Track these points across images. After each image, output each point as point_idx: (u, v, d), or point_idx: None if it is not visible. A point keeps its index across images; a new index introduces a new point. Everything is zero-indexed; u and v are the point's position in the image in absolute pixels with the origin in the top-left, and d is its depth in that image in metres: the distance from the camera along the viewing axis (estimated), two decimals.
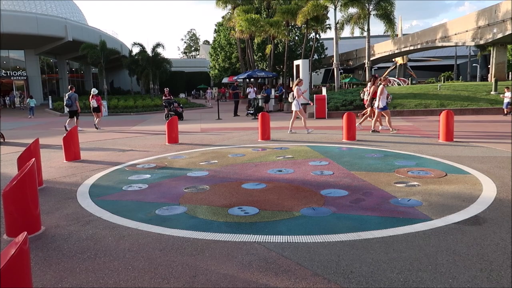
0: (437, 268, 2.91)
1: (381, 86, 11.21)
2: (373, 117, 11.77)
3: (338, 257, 3.13)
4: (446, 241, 3.39)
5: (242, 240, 3.54)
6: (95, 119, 15.85)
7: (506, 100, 15.99)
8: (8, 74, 39.85)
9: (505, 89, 16.29)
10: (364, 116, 12.68)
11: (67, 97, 14.73)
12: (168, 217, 4.27)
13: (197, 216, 4.29)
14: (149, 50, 41.60)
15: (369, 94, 12.05)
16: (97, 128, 15.29)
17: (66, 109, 15.28)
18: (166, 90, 20.60)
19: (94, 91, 15.94)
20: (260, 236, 3.62)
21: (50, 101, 31.87)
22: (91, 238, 3.73)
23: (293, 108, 11.91)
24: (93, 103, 15.68)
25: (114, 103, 27.76)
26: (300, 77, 20.82)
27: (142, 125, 17.04)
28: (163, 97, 20.32)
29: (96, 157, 8.47)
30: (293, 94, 11.83)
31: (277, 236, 3.61)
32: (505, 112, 15.88)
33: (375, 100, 11.35)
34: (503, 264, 2.93)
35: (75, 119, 14.67)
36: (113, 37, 48.96)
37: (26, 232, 2.26)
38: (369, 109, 12.27)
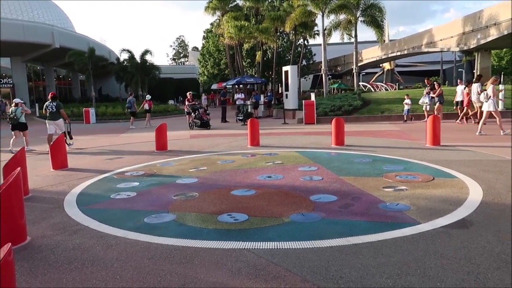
0: (425, 272, 2.94)
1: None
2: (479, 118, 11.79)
3: (328, 263, 3.14)
4: (434, 245, 3.42)
5: (232, 247, 3.53)
6: (146, 119, 20.12)
7: (406, 107, 16.31)
8: None
9: (406, 96, 16.63)
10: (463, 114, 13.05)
11: (127, 100, 19.83)
12: (157, 225, 4.24)
13: (186, 223, 4.26)
14: (137, 57, 41.43)
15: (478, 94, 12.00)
16: (146, 126, 18.86)
17: (127, 110, 20.24)
18: (189, 94, 18.42)
19: (148, 97, 20.54)
20: (250, 242, 3.61)
21: (37, 109, 31.45)
22: (79, 248, 3.68)
23: (487, 108, 10.80)
24: (146, 106, 20.05)
25: (102, 110, 27.50)
26: (289, 83, 20.95)
27: (131, 132, 16.91)
28: (186, 102, 18.08)
29: (83, 165, 8.38)
30: (486, 94, 10.79)
31: (266, 242, 3.61)
32: (405, 119, 16.22)
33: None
34: (490, 267, 2.97)
35: (133, 118, 19.54)
36: (101, 44, 48.65)
37: (10, 244, 2.23)
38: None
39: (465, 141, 9.72)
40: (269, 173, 6.71)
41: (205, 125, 16.74)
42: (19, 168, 4.04)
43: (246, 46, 34.56)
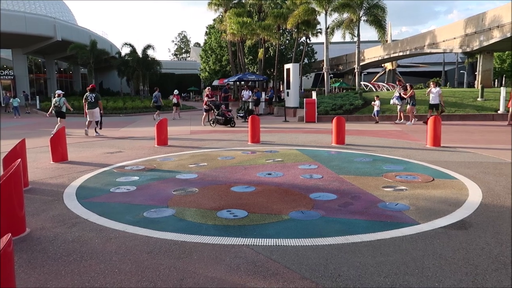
0: (423, 272, 2.94)
1: None
2: None
3: (326, 261, 3.14)
4: (433, 245, 3.42)
5: (231, 243, 3.53)
6: (173, 112, 21.35)
7: (375, 109, 16.35)
8: None
9: (375, 98, 16.71)
10: None
11: (153, 95, 20.87)
12: (156, 220, 4.24)
13: (186, 218, 4.27)
14: (139, 51, 41.35)
15: None
16: (174, 118, 20.41)
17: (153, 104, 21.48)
18: (208, 89, 16.99)
19: (176, 92, 21.73)
20: (249, 239, 3.62)
21: (38, 101, 31.39)
22: (77, 241, 3.68)
23: None
24: (174, 100, 21.49)
25: (103, 104, 27.34)
26: (291, 81, 20.91)
27: (131, 126, 16.90)
28: (205, 98, 16.59)
29: (83, 158, 8.38)
30: None
31: (265, 239, 3.61)
32: (377, 120, 16.28)
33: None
34: (488, 268, 2.97)
35: (159, 111, 20.53)
36: (103, 38, 48.55)
37: (10, 234, 2.23)
38: None
39: (465, 143, 9.72)
40: (269, 170, 6.71)
41: (228, 122, 15.69)
42: (19, 160, 4.04)
43: (248, 43, 34.50)
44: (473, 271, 2.94)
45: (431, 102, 14.88)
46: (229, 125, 15.68)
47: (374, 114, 16.41)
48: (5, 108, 30.51)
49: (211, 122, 16.22)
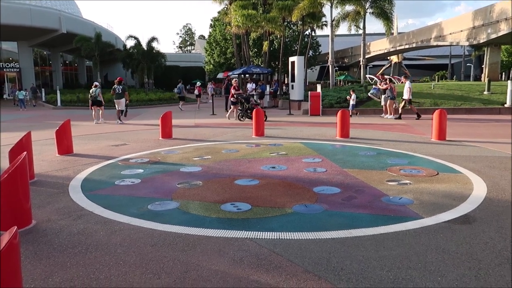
0: (426, 266, 2.94)
1: None
2: None
3: (329, 254, 3.16)
4: (436, 240, 3.42)
5: (234, 236, 3.55)
6: (198, 103, 24.38)
7: (351, 102, 16.27)
8: (1, 66, 39.34)
9: (351, 91, 16.69)
10: None
11: (177, 87, 23.37)
12: (160, 213, 4.27)
13: (190, 211, 4.29)
14: (144, 44, 41.28)
15: None
16: (198, 108, 22.77)
17: (177, 95, 24.20)
18: (235, 81, 15.96)
19: (198, 83, 24.73)
20: (252, 232, 3.64)
21: (43, 94, 31.52)
22: (83, 233, 3.72)
23: None
24: (196, 91, 24.18)
25: (108, 97, 27.45)
26: (296, 74, 20.82)
27: (136, 119, 16.94)
28: (232, 90, 15.24)
29: (89, 151, 8.42)
30: None
31: (269, 232, 3.63)
32: (350, 114, 16.09)
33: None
34: (491, 263, 2.97)
35: (183, 102, 22.83)
36: (108, 30, 48.49)
37: (16, 227, 2.25)
38: None
39: (471, 137, 9.65)
40: (273, 164, 6.72)
41: None
42: (25, 153, 4.08)
43: (253, 35, 34.35)
44: (476, 265, 2.94)
45: (404, 97, 14.77)
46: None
47: (350, 108, 16.24)
48: (13, 101, 30.62)
49: (239, 116, 15.02)
